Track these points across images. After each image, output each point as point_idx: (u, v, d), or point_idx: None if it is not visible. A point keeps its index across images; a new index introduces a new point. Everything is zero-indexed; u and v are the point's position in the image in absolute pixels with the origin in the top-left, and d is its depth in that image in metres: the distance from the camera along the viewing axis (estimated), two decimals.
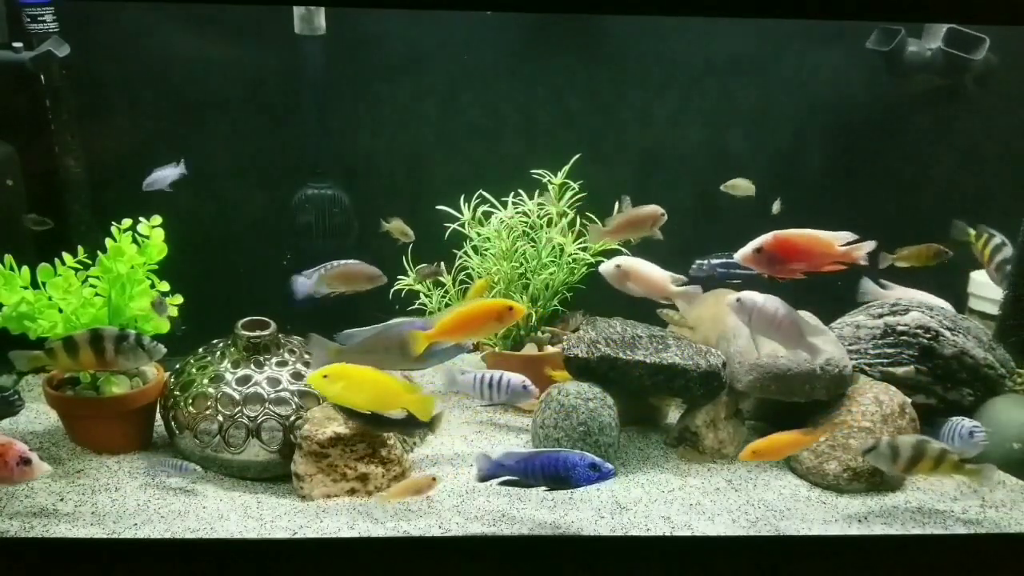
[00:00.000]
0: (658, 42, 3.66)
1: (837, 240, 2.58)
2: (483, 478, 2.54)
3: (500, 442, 3.11)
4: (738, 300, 2.59)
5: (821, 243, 2.58)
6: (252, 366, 2.87)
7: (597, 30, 3.64)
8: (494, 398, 2.91)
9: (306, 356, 2.91)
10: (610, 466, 2.46)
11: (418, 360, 2.59)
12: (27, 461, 2.33)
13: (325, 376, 2.55)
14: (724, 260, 3.25)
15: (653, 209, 2.96)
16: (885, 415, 2.86)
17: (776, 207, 3.25)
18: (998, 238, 3.07)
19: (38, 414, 3.13)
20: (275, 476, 2.79)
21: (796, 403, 2.97)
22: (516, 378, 2.87)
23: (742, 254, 2.59)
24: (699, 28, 3.65)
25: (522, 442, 3.10)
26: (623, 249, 3.34)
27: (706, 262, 3.26)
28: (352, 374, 2.57)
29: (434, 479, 2.58)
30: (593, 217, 3.32)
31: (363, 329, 2.64)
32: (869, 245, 2.58)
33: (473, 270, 3.46)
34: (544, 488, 2.52)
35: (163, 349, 2.74)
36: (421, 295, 3.50)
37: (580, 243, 3.41)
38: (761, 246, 2.56)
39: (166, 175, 3.11)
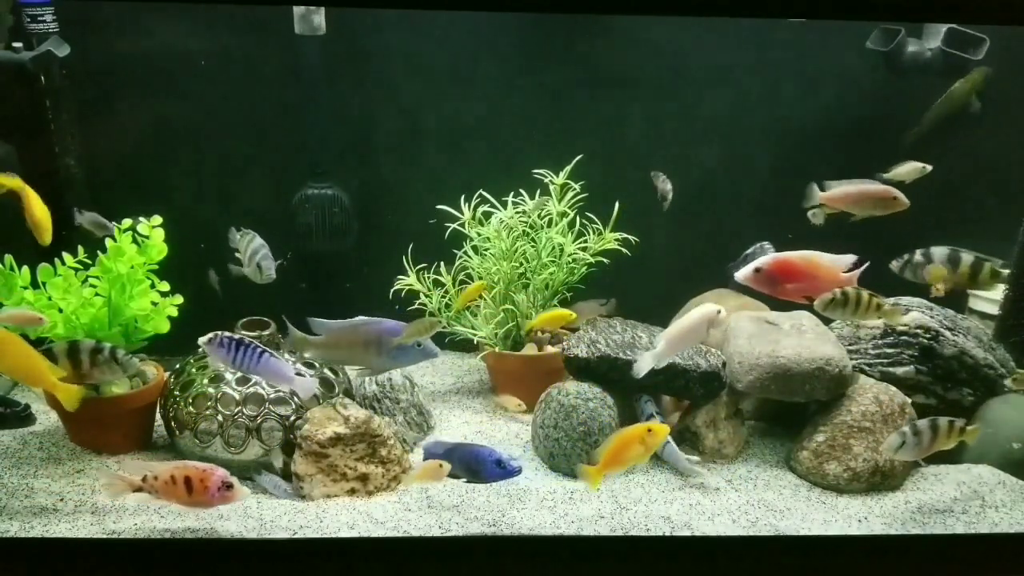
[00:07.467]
0: (666, 41, 3.65)
1: (840, 265, 2.54)
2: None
3: (499, 442, 3.10)
4: None
5: (823, 268, 2.53)
6: None
7: (601, 28, 3.63)
8: None
9: (288, 349, 2.87)
10: (515, 464, 2.49)
11: (383, 361, 2.56)
12: (229, 486, 2.30)
13: None
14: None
15: (885, 190, 2.67)
16: (885, 415, 2.86)
17: (819, 218, 3.18)
18: None
19: (38, 414, 3.13)
20: None
21: (796, 403, 2.98)
22: None
23: (742, 275, 2.55)
24: (702, 29, 3.64)
25: (521, 442, 3.10)
26: (623, 250, 3.34)
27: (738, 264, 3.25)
28: None
29: (440, 465, 2.63)
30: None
31: (334, 322, 2.60)
32: (860, 269, 2.56)
33: (473, 270, 3.46)
34: (464, 480, 2.65)
35: (136, 363, 2.76)
36: (421, 295, 3.49)
37: (580, 243, 3.41)
38: (760, 267, 2.53)
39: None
